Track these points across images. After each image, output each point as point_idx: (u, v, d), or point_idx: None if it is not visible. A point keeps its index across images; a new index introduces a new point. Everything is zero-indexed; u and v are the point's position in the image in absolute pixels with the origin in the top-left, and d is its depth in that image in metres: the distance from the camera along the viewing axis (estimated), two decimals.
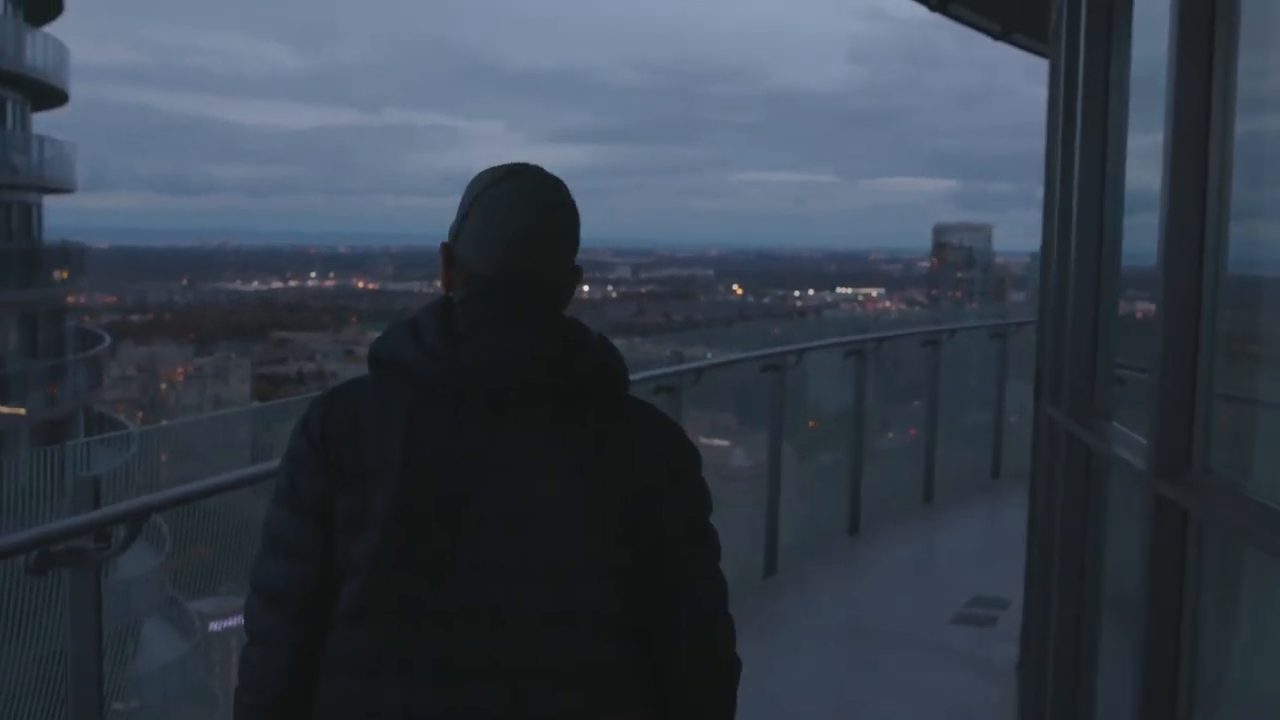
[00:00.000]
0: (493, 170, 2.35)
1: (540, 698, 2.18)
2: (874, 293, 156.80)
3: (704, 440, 8.54)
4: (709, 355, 10.48)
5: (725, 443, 9.90)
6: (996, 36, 9.41)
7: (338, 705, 2.23)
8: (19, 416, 33.38)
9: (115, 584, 5.07)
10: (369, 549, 2.20)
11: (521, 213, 2.29)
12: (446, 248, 2.36)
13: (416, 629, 2.19)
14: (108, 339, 43.76)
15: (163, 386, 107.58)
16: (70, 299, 41.60)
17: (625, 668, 2.27)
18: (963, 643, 7.39)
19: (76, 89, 38.95)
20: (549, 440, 2.23)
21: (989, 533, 10.76)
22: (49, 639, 4.60)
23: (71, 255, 39.00)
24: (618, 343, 2.38)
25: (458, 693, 2.17)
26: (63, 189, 38.26)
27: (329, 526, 2.24)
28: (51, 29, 37.41)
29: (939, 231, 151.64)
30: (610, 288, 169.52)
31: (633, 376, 2.41)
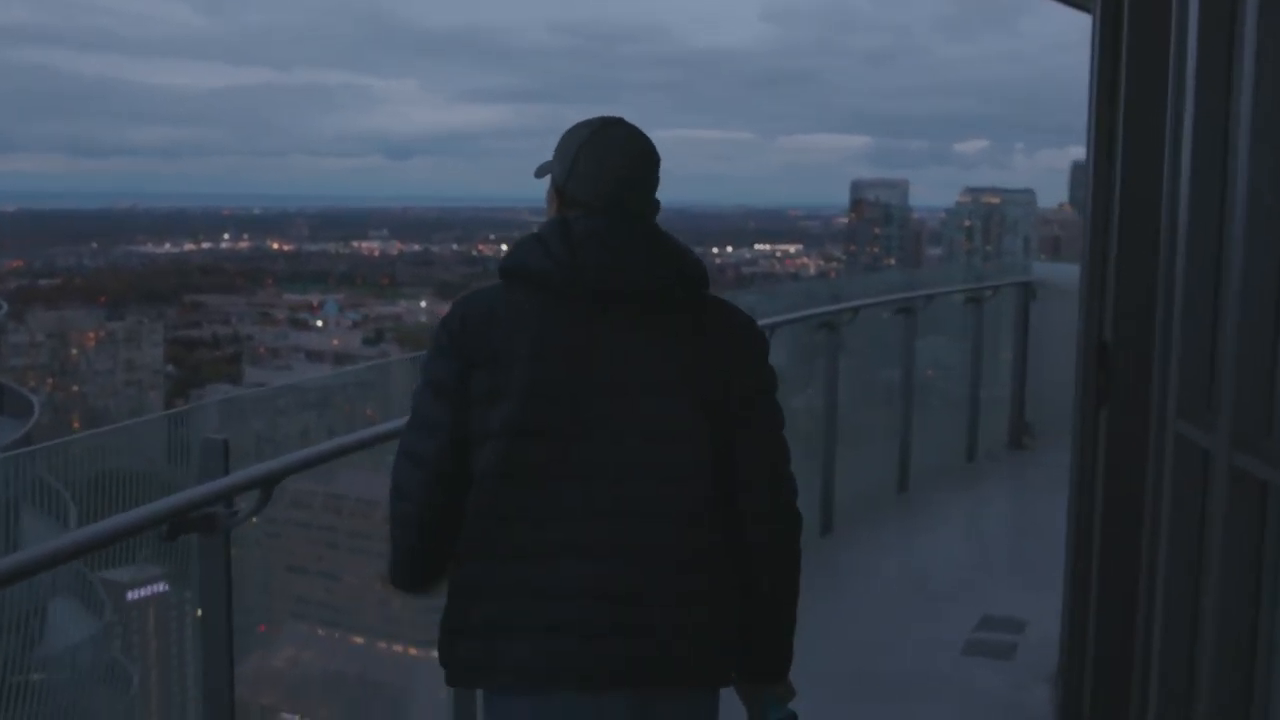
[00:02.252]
0: (588, 123, 2.84)
1: (657, 533, 2.69)
2: (792, 249, 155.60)
3: None
4: None
5: None
6: None
7: (480, 545, 2.72)
8: None
9: None
10: (506, 416, 2.68)
11: (623, 155, 2.80)
12: (559, 190, 2.82)
13: (551, 483, 2.68)
14: (4, 306, 41.77)
15: (74, 352, 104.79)
16: None
17: (717, 509, 2.75)
18: (982, 681, 6.14)
19: None
20: (651, 328, 2.73)
21: (977, 531, 9.54)
22: None
23: None
24: None
25: (590, 528, 2.67)
26: None
27: (464, 404, 2.72)
28: None
29: (856, 188, 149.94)
30: None
31: None
